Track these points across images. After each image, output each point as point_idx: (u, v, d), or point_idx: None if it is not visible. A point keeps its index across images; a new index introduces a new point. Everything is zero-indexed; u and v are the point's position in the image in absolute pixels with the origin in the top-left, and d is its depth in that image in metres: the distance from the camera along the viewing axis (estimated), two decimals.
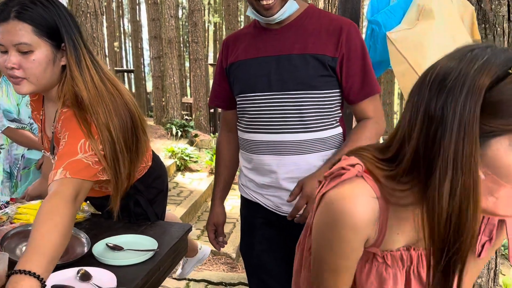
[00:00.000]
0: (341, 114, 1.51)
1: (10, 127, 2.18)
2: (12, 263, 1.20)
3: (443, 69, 0.73)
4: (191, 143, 8.00)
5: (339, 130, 1.50)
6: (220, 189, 1.68)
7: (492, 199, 0.72)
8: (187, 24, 22.19)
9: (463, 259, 0.73)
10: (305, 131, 1.41)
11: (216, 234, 1.70)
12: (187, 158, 6.35)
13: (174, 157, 6.31)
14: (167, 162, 6.00)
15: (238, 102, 1.54)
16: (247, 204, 1.61)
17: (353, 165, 0.82)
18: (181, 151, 6.38)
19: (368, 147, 0.89)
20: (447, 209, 0.70)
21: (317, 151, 1.43)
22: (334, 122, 1.48)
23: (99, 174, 1.26)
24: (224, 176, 1.68)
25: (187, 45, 21.88)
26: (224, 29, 21.91)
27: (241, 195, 1.64)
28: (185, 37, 25.22)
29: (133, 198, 1.56)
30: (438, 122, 0.70)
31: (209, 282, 3.10)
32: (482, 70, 0.69)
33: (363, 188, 0.79)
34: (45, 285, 0.99)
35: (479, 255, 0.89)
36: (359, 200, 0.78)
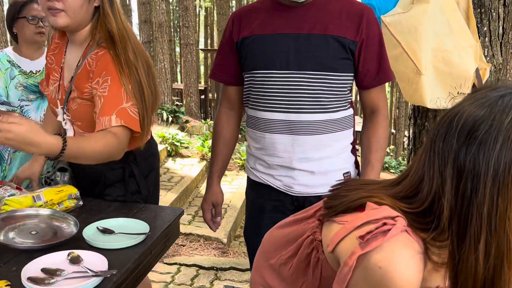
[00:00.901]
0: (352, 97, 1.53)
1: (0, 110, 2.14)
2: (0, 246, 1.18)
3: (471, 116, 0.70)
4: (182, 129, 7.95)
5: (350, 111, 1.52)
6: (218, 168, 1.64)
7: None
8: (177, 8, 21.89)
9: None
10: (321, 112, 1.42)
11: (213, 214, 1.68)
12: (178, 143, 6.31)
13: (165, 142, 6.27)
14: (158, 147, 5.96)
15: (249, 78, 1.49)
16: (255, 187, 1.57)
17: (393, 218, 0.73)
18: (172, 137, 6.33)
19: (379, 191, 0.82)
20: (483, 273, 0.67)
21: (331, 132, 1.45)
22: (347, 104, 1.50)
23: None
24: (222, 154, 1.64)
25: (178, 30, 21.64)
26: (215, 14, 21.67)
27: (248, 177, 1.61)
28: (176, 21, 24.91)
29: (129, 168, 1.59)
30: (469, 177, 0.67)
31: (200, 267, 3.10)
32: None
33: (411, 246, 0.71)
34: (64, 150, 1.22)
35: None
36: (411, 262, 0.70)
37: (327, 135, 1.44)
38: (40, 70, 2.27)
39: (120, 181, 1.60)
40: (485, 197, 0.66)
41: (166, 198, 4.34)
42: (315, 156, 1.43)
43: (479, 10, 2.00)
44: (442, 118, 0.75)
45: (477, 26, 1.94)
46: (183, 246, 3.52)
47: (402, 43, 1.92)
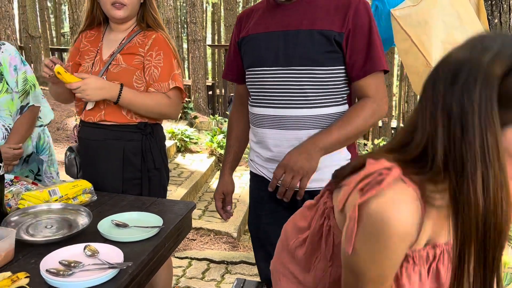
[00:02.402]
0: (348, 92, 1.49)
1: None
2: (18, 242, 1.21)
3: (454, 60, 0.73)
4: (191, 124, 7.97)
5: (346, 107, 1.48)
6: (230, 160, 1.71)
7: None
8: (185, 4, 21.90)
9: (501, 255, 0.72)
10: (307, 107, 1.42)
11: (224, 203, 1.72)
12: (187, 139, 6.33)
13: (174, 138, 6.30)
14: (167, 143, 5.99)
15: (247, 76, 1.56)
16: (254, 178, 1.63)
17: (389, 168, 0.76)
18: (181, 133, 6.36)
19: (379, 150, 0.85)
20: (483, 204, 0.69)
21: (321, 127, 1.43)
22: (340, 99, 1.46)
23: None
24: (234, 147, 1.71)
25: (185, 26, 21.63)
26: (222, 10, 21.63)
27: (250, 170, 1.67)
28: (183, 18, 24.91)
29: (147, 141, 1.78)
30: (458, 118, 0.70)
31: (211, 261, 3.13)
32: (493, 60, 0.68)
33: (406, 192, 0.75)
34: (120, 96, 1.64)
35: None
36: (405, 206, 0.74)
37: (316, 130, 1.41)
38: None
39: (138, 154, 1.77)
40: (475, 134, 0.69)
41: (176, 193, 4.37)
42: None
43: (490, 2, 1.99)
44: (433, 70, 0.78)
45: (488, 18, 1.93)
46: (194, 240, 3.55)
47: (411, 36, 1.92)
